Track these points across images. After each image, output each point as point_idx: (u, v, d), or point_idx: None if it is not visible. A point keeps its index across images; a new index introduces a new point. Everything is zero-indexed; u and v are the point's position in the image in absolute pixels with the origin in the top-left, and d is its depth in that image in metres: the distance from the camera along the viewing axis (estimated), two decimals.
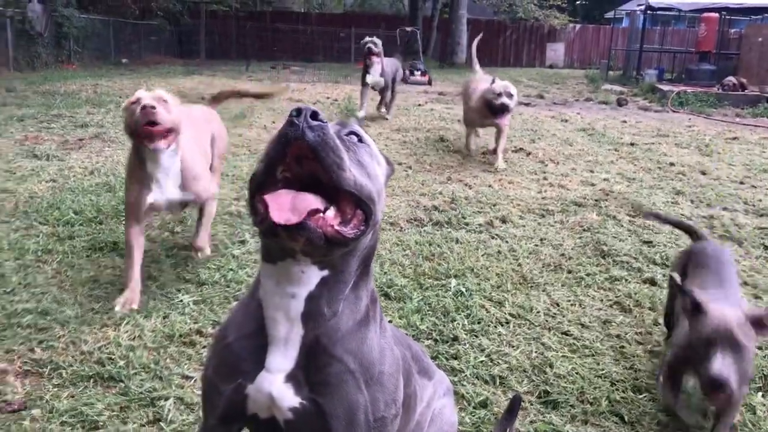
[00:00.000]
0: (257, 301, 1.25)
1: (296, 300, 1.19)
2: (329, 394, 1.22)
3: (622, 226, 4.40)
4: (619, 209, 4.80)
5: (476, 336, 2.76)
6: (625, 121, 10.00)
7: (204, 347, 2.58)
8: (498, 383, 2.42)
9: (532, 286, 3.34)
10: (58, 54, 16.96)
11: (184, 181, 3.10)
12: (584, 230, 4.27)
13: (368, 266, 1.27)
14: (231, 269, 3.34)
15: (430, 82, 16.03)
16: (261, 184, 1.14)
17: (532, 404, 2.31)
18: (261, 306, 1.24)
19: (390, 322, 2.81)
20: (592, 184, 5.59)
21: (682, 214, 4.72)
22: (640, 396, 2.39)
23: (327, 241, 1.09)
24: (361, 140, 1.22)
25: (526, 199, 4.97)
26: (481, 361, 2.55)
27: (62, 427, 2.05)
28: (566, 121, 9.83)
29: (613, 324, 2.96)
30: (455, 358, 2.58)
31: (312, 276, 1.18)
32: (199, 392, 2.28)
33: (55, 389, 2.25)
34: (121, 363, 2.42)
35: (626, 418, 2.26)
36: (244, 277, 3.24)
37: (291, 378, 1.22)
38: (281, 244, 1.13)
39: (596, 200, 5.01)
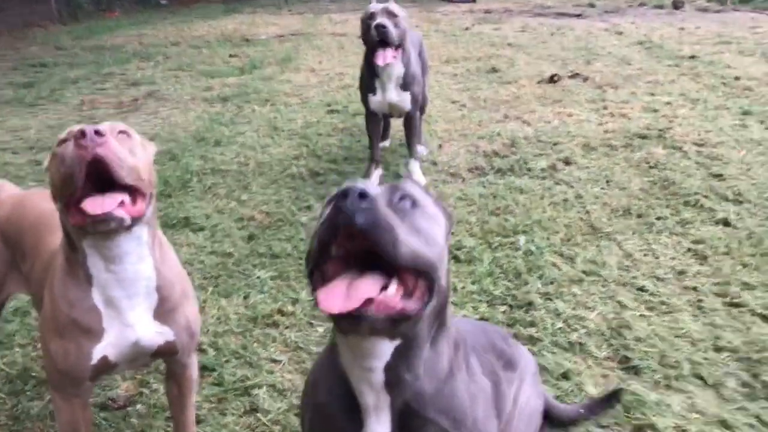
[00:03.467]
0: (340, 366, 1.25)
1: (375, 372, 1.19)
2: None
3: (689, 158, 4.27)
4: (685, 138, 4.65)
5: (551, 299, 2.78)
6: (683, 28, 9.55)
7: (287, 327, 2.67)
8: (578, 350, 2.44)
9: (602, 236, 3.31)
10: (98, 2, 16.99)
11: (163, 302, 1.65)
12: (651, 167, 4.16)
13: (443, 319, 1.25)
14: (301, 239, 3.40)
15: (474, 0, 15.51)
16: (317, 262, 1.12)
17: (614, 371, 2.34)
18: (345, 371, 1.25)
19: (463, 288, 2.86)
20: (655, 110, 5.41)
21: (752, 139, 4.55)
22: (722, 356, 2.38)
23: (391, 321, 1.07)
24: (414, 204, 1.17)
25: (587, 134, 4.86)
26: (559, 328, 2.57)
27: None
28: (621, 33, 9.46)
29: (688, 275, 2.93)
30: (532, 325, 2.60)
31: (384, 349, 1.17)
32: (289, 377, 2.40)
33: (155, 384, 2.37)
34: (212, 352, 2.53)
35: (708, 381, 2.26)
36: None
37: None
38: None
39: (660, 130, 4.84)
